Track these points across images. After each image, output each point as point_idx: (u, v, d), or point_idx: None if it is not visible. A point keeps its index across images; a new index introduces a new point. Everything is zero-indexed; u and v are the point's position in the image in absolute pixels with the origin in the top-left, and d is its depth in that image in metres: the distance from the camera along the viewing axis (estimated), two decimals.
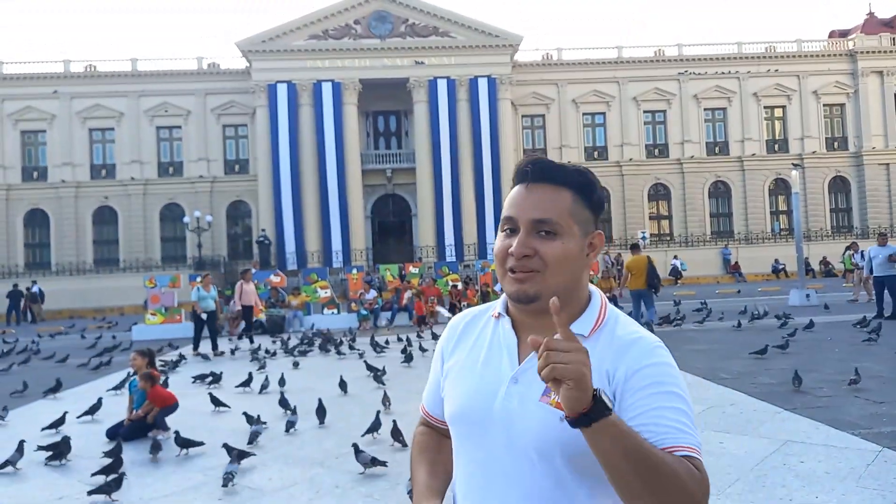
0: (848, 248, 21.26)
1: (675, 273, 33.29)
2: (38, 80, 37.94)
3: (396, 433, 5.60)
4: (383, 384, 8.41)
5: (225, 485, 4.78)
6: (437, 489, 1.39)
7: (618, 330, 1.28)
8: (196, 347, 13.46)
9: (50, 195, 37.87)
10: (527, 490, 1.22)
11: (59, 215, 37.91)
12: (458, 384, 1.35)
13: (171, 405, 7.04)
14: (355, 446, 5.03)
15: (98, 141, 38.90)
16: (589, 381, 1.05)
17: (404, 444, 5.49)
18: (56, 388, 9.15)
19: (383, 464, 4.92)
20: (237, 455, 5.16)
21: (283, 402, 7.13)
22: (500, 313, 1.37)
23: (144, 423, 6.80)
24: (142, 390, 7.01)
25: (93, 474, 5.04)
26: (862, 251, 18.56)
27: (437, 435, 1.49)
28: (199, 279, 14.85)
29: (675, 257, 34.21)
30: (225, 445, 5.32)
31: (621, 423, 1.08)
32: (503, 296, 1.38)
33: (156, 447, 5.76)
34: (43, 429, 6.75)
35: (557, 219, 1.25)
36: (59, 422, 6.87)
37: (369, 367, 9.08)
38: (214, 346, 13.53)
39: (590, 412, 1.04)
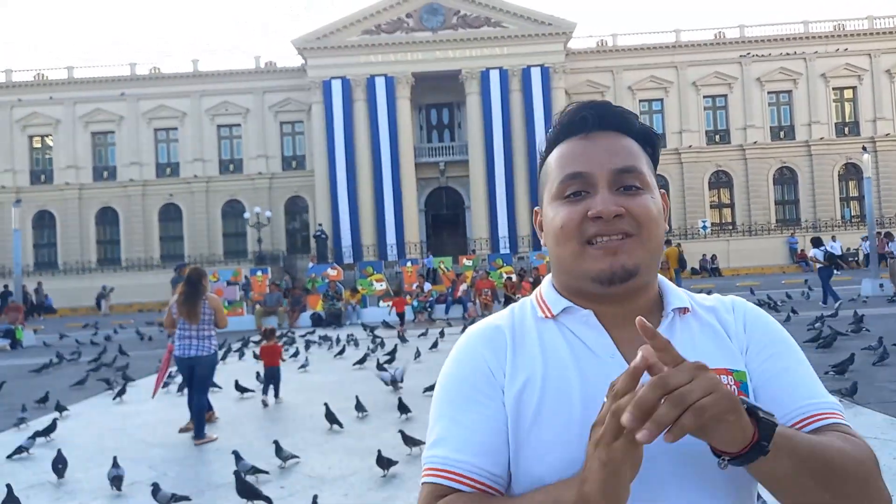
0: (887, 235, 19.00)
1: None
2: (106, 83, 39.58)
3: None
4: None
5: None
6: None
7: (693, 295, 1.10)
8: None
9: (119, 194, 39.50)
10: None
11: (127, 213, 39.51)
12: (550, 426, 0.93)
13: (275, 367, 7.53)
14: (401, 433, 5.24)
15: (162, 140, 40.34)
16: (738, 402, 0.78)
17: None
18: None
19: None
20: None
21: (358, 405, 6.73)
22: (555, 313, 1.02)
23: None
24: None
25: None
26: None
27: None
28: None
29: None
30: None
31: (786, 428, 0.85)
32: (538, 294, 1.07)
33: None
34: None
35: (642, 168, 1.00)
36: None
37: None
38: None
39: (761, 436, 0.79)
